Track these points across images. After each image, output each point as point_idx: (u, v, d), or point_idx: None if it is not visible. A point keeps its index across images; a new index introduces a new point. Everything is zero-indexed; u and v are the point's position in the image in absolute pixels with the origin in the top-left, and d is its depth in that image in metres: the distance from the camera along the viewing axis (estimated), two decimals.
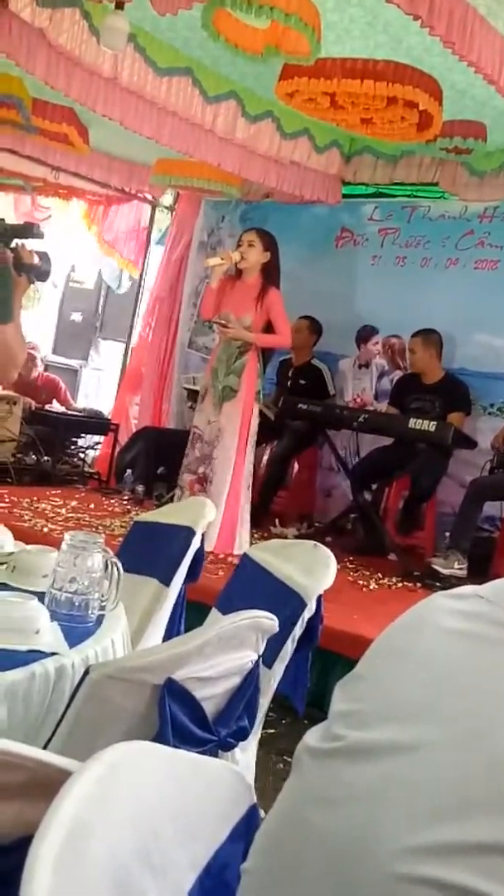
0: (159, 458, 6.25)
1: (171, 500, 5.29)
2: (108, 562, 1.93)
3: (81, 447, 7.06)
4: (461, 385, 5.55)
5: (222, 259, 5.08)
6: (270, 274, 5.05)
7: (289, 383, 6.27)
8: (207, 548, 4.33)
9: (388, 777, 0.75)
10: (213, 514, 2.65)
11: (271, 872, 0.81)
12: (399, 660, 0.85)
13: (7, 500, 5.31)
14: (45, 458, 6.33)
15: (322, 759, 0.83)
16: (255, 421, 5.03)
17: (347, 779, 0.78)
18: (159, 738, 1.41)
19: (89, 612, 1.88)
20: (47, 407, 7.15)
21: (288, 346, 5.48)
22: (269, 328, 5.04)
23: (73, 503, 5.62)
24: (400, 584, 4.74)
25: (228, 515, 4.87)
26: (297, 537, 5.31)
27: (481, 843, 0.68)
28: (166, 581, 2.41)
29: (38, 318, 9.86)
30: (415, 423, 5.06)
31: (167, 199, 7.90)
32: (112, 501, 5.98)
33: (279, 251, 5.10)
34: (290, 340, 5.26)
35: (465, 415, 5.45)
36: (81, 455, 6.99)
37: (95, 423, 7.26)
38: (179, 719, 1.45)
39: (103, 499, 6.04)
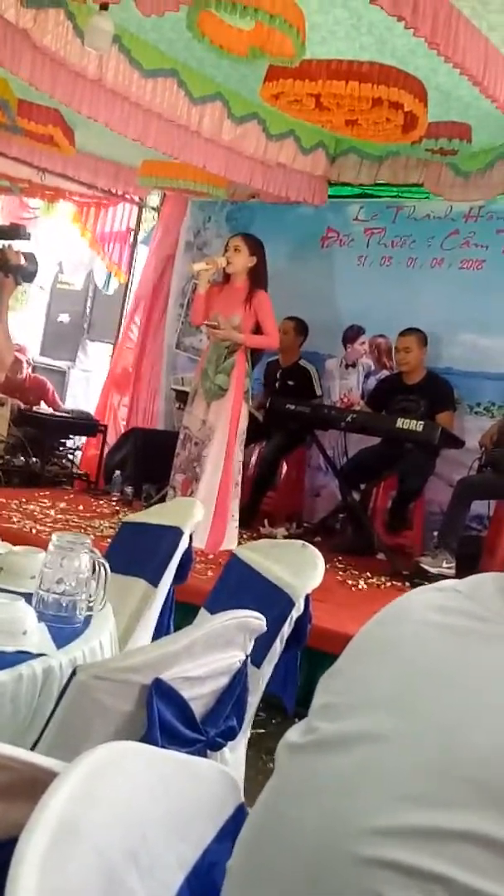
0: (148, 459, 6.24)
1: (162, 500, 5.31)
2: (96, 562, 1.93)
3: (70, 448, 7.04)
4: (444, 383, 5.57)
5: (207, 265, 5.14)
6: (258, 277, 5.10)
7: (276, 384, 6.27)
8: (198, 545, 4.39)
9: (358, 766, 0.76)
10: (202, 514, 2.65)
11: (251, 870, 0.81)
12: (376, 653, 0.86)
13: None
14: (34, 459, 6.32)
15: (297, 754, 0.83)
16: (243, 419, 5.06)
17: (320, 770, 0.79)
18: (147, 739, 1.41)
19: (77, 612, 1.88)
20: (35, 408, 7.13)
21: (276, 347, 5.50)
22: (258, 330, 5.08)
23: (62, 504, 5.61)
24: (389, 584, 4.75)
25: (219, 513, 4.90)
26: (286, 537, 5.31)
27: (449, 830, 0.68)
28: (154, 582, 2.41)
29: (25, 320, 9.83)
30: (402, 422, 5.08)
31: (153, 199, 7.89)
32: (101, 502, 5.97)
33: (265, 254, 5.13)
34: (277, 342, 5.31)
35: (452, 412, 5.48)
36: (70, 456, 6.97)
37: (84, 424, 7.24)
38: (167, 719, 1.46)
39: (92, 500, 6.03)
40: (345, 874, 0.71)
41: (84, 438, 7.28)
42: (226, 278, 5.19)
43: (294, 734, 0.85)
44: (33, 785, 0.83)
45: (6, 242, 2.35)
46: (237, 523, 5.08)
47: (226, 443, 4.97)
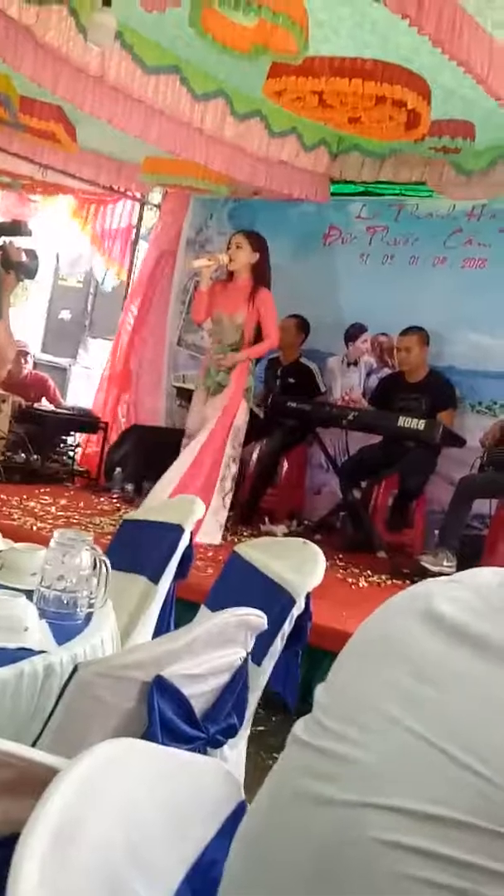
0: (149, 457, 6.23)
1: None
2: (97, 559, 1.93)
3: (71, 445, 7.04)
4: (446, 382, 5.57)
5: (209, 261, 5.14)
6: (260, 274, 5.11)
7: (277, 382, 6.27)
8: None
9: (367, 765, 0.75)
10: (202, 511, 2.65)
11: (251, 866, 0.81)
12: (378, 648, 0.86)
13: None
14: (35, 456, 6.32)
15: (299, 749, 0.83)
16: (241, 416, 5.06)
17: (325, 768, 0.79)
18: (148, 736, 1.41)
19: (78, 609, 1.87)
20: (36, 405, 7.13)
21: (275, 347, 5.50)
22: (260, 328, 5.09)
23: (63, 501, 5.61)
24: (389, 582, 4.75)
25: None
26: (286, 535, 5.32)
27: (461, 821, 0.69)
28: (155, 579, 2.41)
29: (26, 316, 9.83)
30: (404, 421, 5.08)
31: (155, 196, 7.88)
32: (101, 500, 5.97)
33: (268, 251, 5.13)
34: (277, 342, 5.29)
35: (453, 411, 5.48)
36: (71, 453, 6.97)
37: (84, 421, 7.24)
38: (168, 716, 1.45)
39: (93, 497, 6.03)
40: (359, 863, 0.71)
41: (85, 435, 7.28)
42: (229, 275, 5.20)
43: (299, 728, 0.86)
44: (35, 782, 0.83)
45: (8, 239, 2.35)
46: (223, 519, 5.05)
47: (217, 435, 4.96)
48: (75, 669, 1.43)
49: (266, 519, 5.78)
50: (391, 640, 0.85)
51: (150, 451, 6.25)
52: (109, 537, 2.95)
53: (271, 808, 0.83)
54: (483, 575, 0.87)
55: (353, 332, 6.45)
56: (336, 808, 0.75)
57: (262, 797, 0.85)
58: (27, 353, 7.59)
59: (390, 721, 0.77)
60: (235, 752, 1.89)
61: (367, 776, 0.75)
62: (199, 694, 1.57)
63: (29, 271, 2.37)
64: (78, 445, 7.17)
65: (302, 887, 0.75)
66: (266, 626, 1.71)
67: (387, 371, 6.22)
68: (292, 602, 2.05)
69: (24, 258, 2.34)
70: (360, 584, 4.61)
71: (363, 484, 5.63)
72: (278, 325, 5.77)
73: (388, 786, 0.73)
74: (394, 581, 4.77)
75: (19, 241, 2.37)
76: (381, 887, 0.70)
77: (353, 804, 0.74)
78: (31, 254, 2.36)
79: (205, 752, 1.57)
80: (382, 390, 5.85)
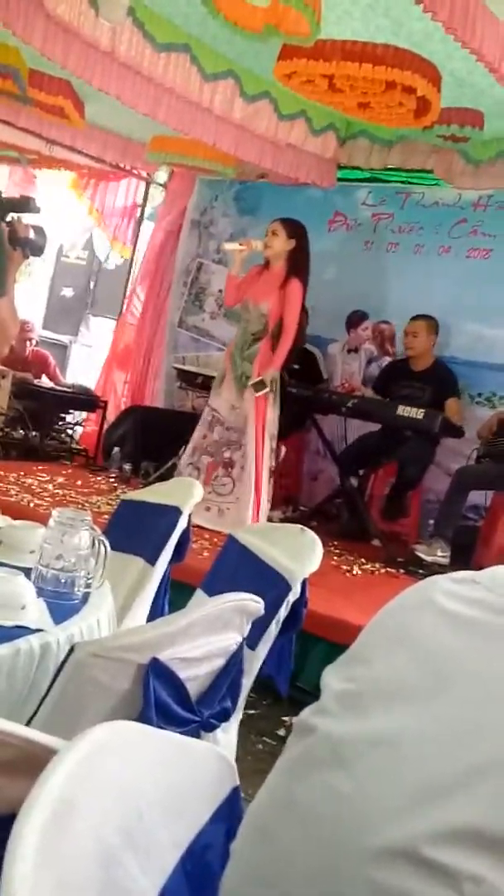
0: (147, 437, 6.24)
1: (161, 478, 5.34)
2: (95, 540, 1.93)
3: (69, 423, 7.04)
4: (451, 373, 5.55)
5: (241, 245, 5.13)
6: (296, 262, 5.08)
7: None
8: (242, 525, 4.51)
9: (379, 760, 0.76)
10: (201, 494, 2.65)
11: (261, 856, 0.82)
12: (395, 643, 0.86)
13: None
14: (33, 433, 6.31)
15: (308, 735, 0.83)
16: (270, 409, 5.05)
17: (338, 761, 0.79)
18: (143, 718, 1.41)
19: (75, 589, 1.88)
20: (36, 382, 7.12)
21: (291, 344, 5.42)
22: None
23: (60, 479, 5.61)
24: (383, 570, 4.77)
25: (257, 497, 4.96)
26: (282, 520, 5.32)
27: (471, 827, 0.69)
28: (152, 560, 2.42)
29: (29, 293, 9.79)
30: (403, 410, 5.08)
31: (161, 175, 7.84)
32: (99, 479, 5.97)
33: (306, 238, 5.10)
34: (292, 338, 5.20)
35: (458, 400, 5.47)
36: (69, 431, 6.97)
37: (84, 399, 7.23)
38: (163, 699, 1.46)
39: (90, 476, 6.03)
40: (362, 868, 0.71)
41: (84, 414, 7.27)
42: (266, 263, 5.18)
43: (308, 714, 0.86)
44: (31, 761, 0.83)
45: (15, 215, 2.34)
46: (269, 506, 5.13)
47: (254, 432, 5.01)
48: (72, 650, 1.44)
49: None
50: (411, 636, 0.85)
51: (148, 433, 6.25)
52: (106, 517, 2.96)
53: (280, 794, 0.83)
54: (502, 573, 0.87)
55: (355, 320, 6.43)
56: (344, 798, 0.75)
57: (271, 782, 0.86)
58: (31, 331, 7.57)
59: (403, 713, 0.77)
60: (228, 735, 1.90)
61: (375, 766, 0.76)
62: (194, 677, 1.58)
63: (36, 248, 2.35)
64: (78, 423, 7.17)
65: (306, 875, 0.76)
66: (262, 612, 1.71)
67: (387, 359, 6.20)
68: (288, 588, 2.06)
69: (31, 235, 2.33)
70: (355, 572, 4.62)
71: (360, 472, 5.63)
72: None
73: (396, 777, 0.74)
74: (388, 569, 4.78)
75: (27, 218, 2.35)
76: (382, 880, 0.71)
77: (362, 794, 0.74)
78: (39, 230, 2.35)
79: (198, 736, 1.58)
80: (386, 376, 5.84)
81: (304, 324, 5.22)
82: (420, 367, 5.58)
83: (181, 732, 1.45)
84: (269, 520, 5.29)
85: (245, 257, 5.21)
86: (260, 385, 4.96)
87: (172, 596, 2.55)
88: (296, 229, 5.10)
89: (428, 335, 5.54)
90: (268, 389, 4.98)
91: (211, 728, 1.65)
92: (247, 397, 5.00)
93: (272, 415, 5.09)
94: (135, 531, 2.51)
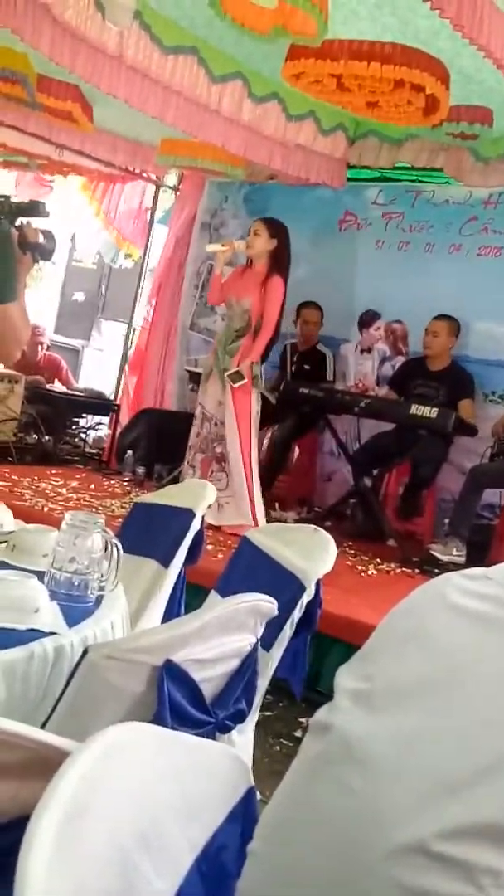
0: (160, 440, 6.25)
1: (174, 480, 5.36)
2: (108, 542, 1.93)
3: (82, 427, 7.05)
4: (467, 374, 5.53)
5: (223, 246, 5.19)
6: (277, 261, 5.12)
7: (293, 367, 6.26)
8: (243, 522, 4.62)
9: (396, 758, 0.75)
10: (214, 496, 2.65)
11: (279, 857, 0.81)
12: (409, 640, 0.85)
13: (8, 479, 5.31)
14: (47, 437, 6.33)
15: (323, 734, 0.83)
16: (254, 403, 5.08)
17: (355, 759, 0.78)
18: (157, 720, 1.41)
19: (88, 592, 1.88)
20: (49, 386, 7.14)
21: (269, 338, 5.42)
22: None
23: (74, 483, 5.62)
24: (398, 570, 4.75)
25: (249, 488, 5.02)
26: (296, 521, 5.32)
27: (490, 823, 0.69)
28: (166, 563, 2.42)
29: (40, 298, 9.83)
30: (416, 409, 5.06)
31: (171, 179, 7.85)
32: (112, 482, 5.98)
33: (288, 238, 5.13)
34: (271, 332, 5.20)
35: (472, 401, 5.45)
36: (82, 435, 6.98)
37: (97, 403, 7.24)
38: (177, 701, 1.46)
39: (104, 479, 6.04)
40: (381, 865, 0.71)
41: (99, 418, 7.28)
42: (248, 261, 5.23)
43: (323, 714, 0.85)
44: (45, 764, 0.83)
45: (26, 219, 2.34)
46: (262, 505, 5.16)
47: (237, 426, 5.01)
48: (85, 652, 1.43)
49: (276, 505, 5.77)
50: (425, 633, 0.84)
51: (161, 435, 6.26)
52: (120, 520, 2.96)
53: (298, 794, 0.83)
54: None
55: (367, 319, 6.42)
56: (360, 796, 0.75)
57: (288, 783, 0.85)
58: (43, 337, 7.59)
59: (417, 709, 0.77)
60: (243, 737, 1.89)
61: (390, 764, 0.75)
62: (209, 679, 1.57)
63: (45, 253, 2.35)
64: (91, 427, 7.18)
65: (325, 874, 0.75)
66: (276, 613, 1.71)
67: (400, 359, 6.19)
68: (302, 589, 2.05)
69: (41, 239, 2.33)
70: (370, 572, 4.60)
71: (374, 472, 5.62)
72: (302, 314, 6.03)
73: (412, 774, 0.73)
74: (403, 569, 4.76)
75: (36, 222, 2.36)
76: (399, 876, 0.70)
77: (378, 792, 0.74)
78: (48, 235, 2.35)
79: (213, 737, 1.57)
80: (402, 375, 5.83)
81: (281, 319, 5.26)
82: (437, 367, 5.56)
83: (196, 734, 1.44)
84: (284, 521, 5.29)
85: (228, 257, 5.27)
86: (237, 376, 4.98)
87: (187, 598, 2.55)
88: (277, 229, 5.15)
89: (448, 336, 5.53)
90: (245, 381, 4.99)
91: (226, 730, 1.65)
92: (228, 392, 5.03)
93: (255, 408, 5.11)
94: (148, 533, 2.51)
